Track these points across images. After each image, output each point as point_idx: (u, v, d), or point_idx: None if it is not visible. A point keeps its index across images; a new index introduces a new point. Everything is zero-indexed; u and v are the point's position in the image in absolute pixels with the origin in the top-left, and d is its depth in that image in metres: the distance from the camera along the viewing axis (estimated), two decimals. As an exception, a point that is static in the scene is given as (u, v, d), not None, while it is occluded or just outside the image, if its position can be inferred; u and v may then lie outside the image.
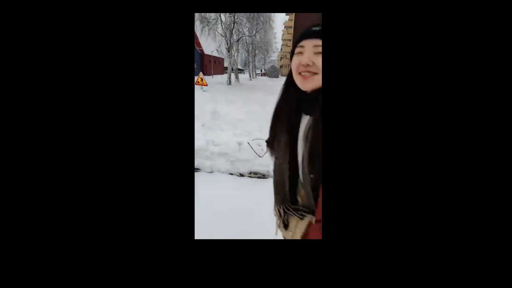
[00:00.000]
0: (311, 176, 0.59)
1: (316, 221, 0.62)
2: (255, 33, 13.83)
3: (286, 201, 0.67)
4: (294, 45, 0.58)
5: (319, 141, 0.54)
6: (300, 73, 0.56)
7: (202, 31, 12.63)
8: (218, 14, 12.14)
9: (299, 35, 0.57)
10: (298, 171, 0.64)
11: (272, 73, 30.96)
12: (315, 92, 0.57)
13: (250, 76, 22.80)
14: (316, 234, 0.61)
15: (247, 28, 13.08)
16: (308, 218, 0.64)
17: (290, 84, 0.61)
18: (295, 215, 0.66)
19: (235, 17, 11.72)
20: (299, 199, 0.67)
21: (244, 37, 13.33)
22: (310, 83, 0.56)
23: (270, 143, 0.66)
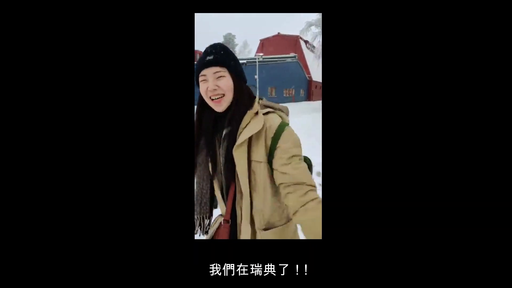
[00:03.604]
0: (225, 181, 0.69)
1: (224, 221, 0.70)
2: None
3: (206, 209, 0.74)
4: (196, 75, 0.65)
5: (232, 147, 0.63)
6: (211, 98, 0.64)
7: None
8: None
9: (197, 66, 0.64)
10: (214, 180, 0.73)
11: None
12: (227, 110, 0.66)
13: None
14: (224, 233, 0.69)
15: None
16: (219, 219, 0.73)
17: (203, 106, 0.68)
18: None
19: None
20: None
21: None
22: (222, 105, 0.64)
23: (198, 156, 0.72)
